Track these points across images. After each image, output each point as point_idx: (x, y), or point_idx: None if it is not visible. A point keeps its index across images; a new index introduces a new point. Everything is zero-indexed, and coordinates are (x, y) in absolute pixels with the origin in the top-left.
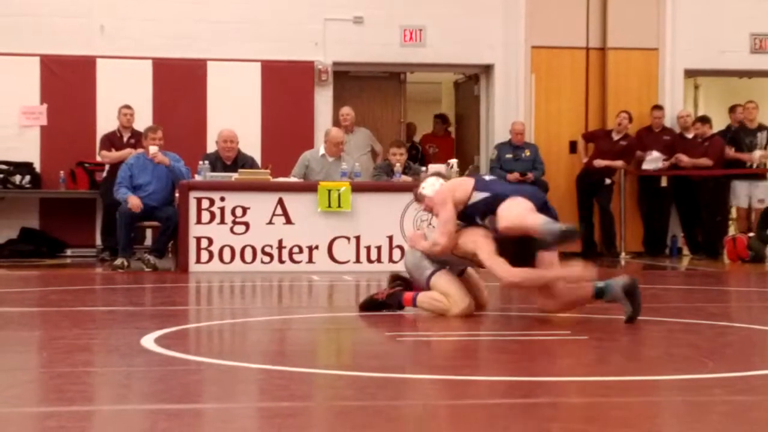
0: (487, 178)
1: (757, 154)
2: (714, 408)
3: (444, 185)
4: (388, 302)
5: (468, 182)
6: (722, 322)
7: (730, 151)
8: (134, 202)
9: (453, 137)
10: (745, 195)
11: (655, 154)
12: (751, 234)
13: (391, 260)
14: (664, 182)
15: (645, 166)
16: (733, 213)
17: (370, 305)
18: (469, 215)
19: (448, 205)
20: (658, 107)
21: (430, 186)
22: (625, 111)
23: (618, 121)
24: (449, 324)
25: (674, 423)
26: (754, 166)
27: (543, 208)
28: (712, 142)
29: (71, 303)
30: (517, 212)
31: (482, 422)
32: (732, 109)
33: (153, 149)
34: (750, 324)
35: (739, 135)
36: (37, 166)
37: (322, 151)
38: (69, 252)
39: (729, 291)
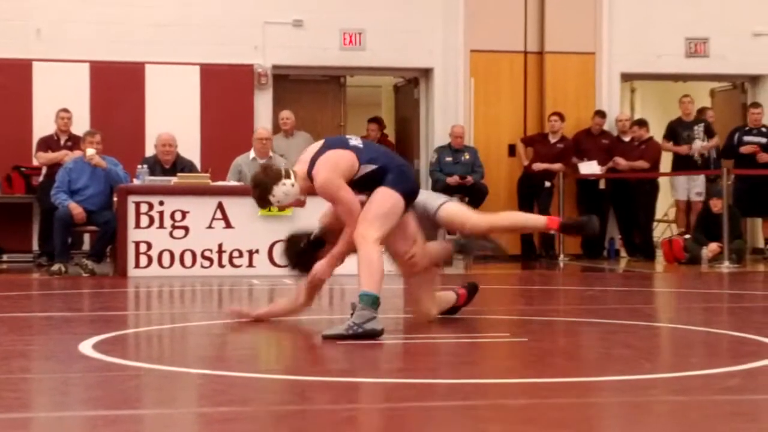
0: (359, 144)
1: (697, 144)
2: (652, 408)
3: (325, 164)
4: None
5: (350, 157)
6: (659, 323)
7: (668, 145)
8: (77, 211)
9: (390, 140)
10: (684, 188)
11: (590, 163)
12: (687, 236)
13: None
14: (602, 185)
15: (581, 171)
16: (670, 214)
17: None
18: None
19: (343, 186)
20: (601, 113)
21: (285, 195)
22: (555, 113)
23: (550, 124)
24: (389, 327)
25: (613, 423)
26: (695, 156)
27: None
28: (649, 145)
29: (7, 309)
30: (458, 209)
31: (422, 425)
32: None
33: (90, 152)
34: (686, 325)
35: (677, 129)
36: None
37: (252, 154)
38: (5, 257)
39: (666, 292)
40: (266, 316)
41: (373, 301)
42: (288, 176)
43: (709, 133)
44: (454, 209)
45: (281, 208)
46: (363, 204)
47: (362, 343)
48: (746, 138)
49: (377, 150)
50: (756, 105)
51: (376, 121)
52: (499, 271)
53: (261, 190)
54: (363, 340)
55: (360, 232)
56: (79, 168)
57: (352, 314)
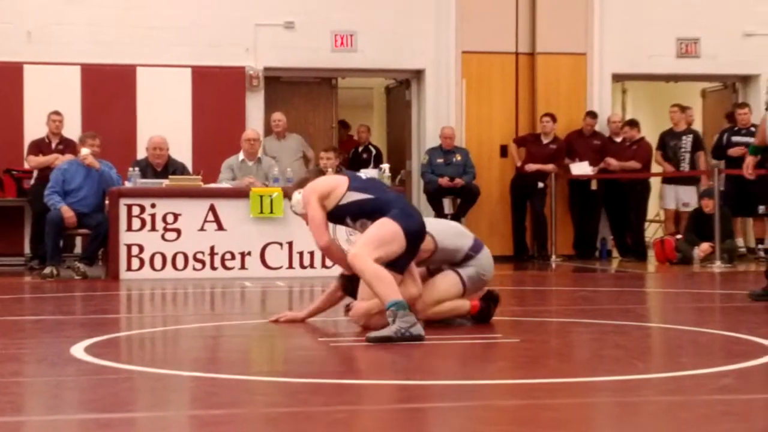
0: (363, 176)
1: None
2: (644, 408)
3: (308, 186)
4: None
5: (340, 180)
6: (651, 323)
7: (657, 155)
8: (68, 215)
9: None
10: (672, 198)
11: (581, 163)
12: (679, 236)
13: (324, 266)
14: (594, 185)
15: (573, 172)
16: (662, 215)
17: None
18: (339, 216)
19: (312, 204)
20: (592, 114)
21: (297, 202)
22: (547, 114)
23: (542, 125)
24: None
25: (605, 424)
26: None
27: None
28: (640, 145)
29: None
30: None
31: (415, 426)
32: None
33: (84, 151)
34: (678, 325)
35: (665, 139)
36: None
37: (241, 156)
38: None
39: (658, 293)
40: (313, 314)
41: (404, 306)
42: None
43: (697, 145)
44: (448, 281)
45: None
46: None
47: (354, 346)
48: (735, 138)
49: (379, 185)
50: (743, 105)
51: (342, 123)
52: (496, 273)
53: (287, 195)
54: (409, 342)
55: (354, 252)
56: (74, 169)
57: (347, 312)
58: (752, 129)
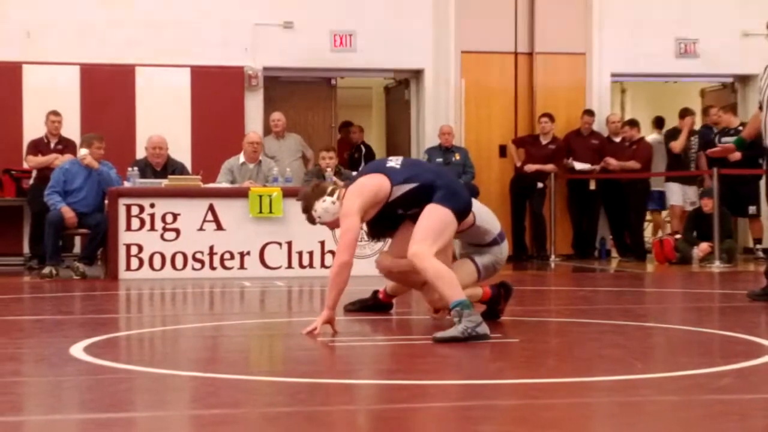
0: (396, 165)
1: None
2: (644, 408)
3: (350, 191)
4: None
5: (381, 183)
6: (651, 323)
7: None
8: (69, 215)
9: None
10: (680, 194)
11: (580, 164)
12: (678, 236)
13: (323, 266)
14: (592, 185)
15: (577, 168)
16: (664, 214)
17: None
18: (389, 211)
19: (353, 215)
20: (589, 112)
21: (324, 211)
22: (545, 114)
23: (540, 126)
24: (382, 328)
25: (605, 423)
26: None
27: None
28: (640, 145)
29: None
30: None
31: (414, 426)
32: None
33: (83, 151)
34: (678, 325)
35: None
36: None
37: (242, 159)
38: None
39: (657, 292)
40: (334, 306)
41: (469, 305)
42: (332, 194)
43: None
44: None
45: (328, 226)
46: (412, 224)
47: (354, 345)
48: (724, 139)
49: (419, 168)
50: (727, 108)
51: (350, 124)
52: None
53: (305, 204)
54: (476, 341)
55: (413, 251)
56: (75, 170)
57: (352, 310)
58: (740, 128)
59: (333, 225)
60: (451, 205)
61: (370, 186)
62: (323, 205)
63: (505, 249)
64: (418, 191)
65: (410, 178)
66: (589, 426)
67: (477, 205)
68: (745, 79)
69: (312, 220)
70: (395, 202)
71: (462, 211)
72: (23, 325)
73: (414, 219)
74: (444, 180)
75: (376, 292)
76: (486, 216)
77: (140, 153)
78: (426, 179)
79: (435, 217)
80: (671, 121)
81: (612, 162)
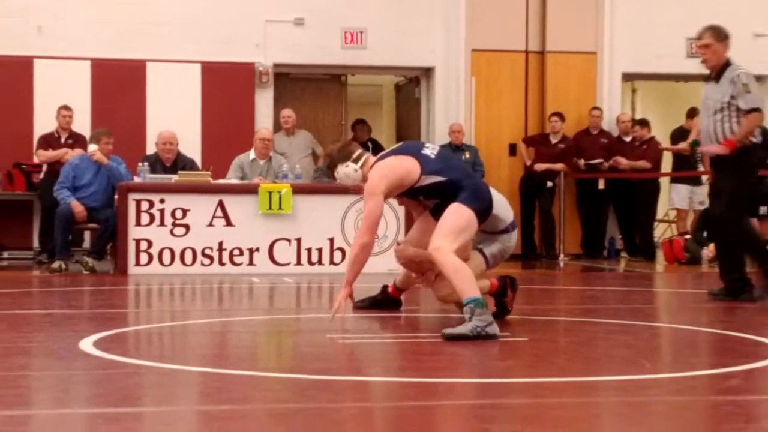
0: (431, 154)
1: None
2: (652, 408)
3: (379, 168)
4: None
5: (412, 167)
6: (660, 323)
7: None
8: (78, 209)
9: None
10: (686, 197)
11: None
12: (688, 236)
13: (332, 262)
14: (601, 185)
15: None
16: (671, 215)
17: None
18: (412, 194)
19: (377, 195)
20: (596, 108)
21: (345, 176)
22: (555, 113)
23: (550, 125)
24: (391, 326)
25: (613, 423)
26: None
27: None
28: (650, 144)
29: (8, 306)
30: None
31: (423, 424)
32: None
33: (92, 147)
34: (687, 325)
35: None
36: None
37: (252, 155)
38: (6, 255)
39: (666, 293)
40: (351, 282)
41: (482, 303)
42: (356, 160)
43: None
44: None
45: (350, 190)
46: (425, 209)
47: (362, 342)
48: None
49: (449, 163)
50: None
51: (363, 121)
52: (500, 271)
53: (329, 162)
54: (485, 341)
55: (435, 245)
56: (85, 165)
57: (361, 307)
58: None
59: (353, 189)
60: (475, 207)
61: (400, 170)
62: (345, 170)
63: (514, 237)
64: (444, 186)
65: (440, 170)
66: (598, 425)
67: (493, 193)
68: (756, 80)
69: (330, 176)
70: (419, 189)
71: (484, 211)
72: (32, 319)
73: (431, 210)
74: (471, 180)
75: (385, 287)
76: (501, 206)
77: (150, 148)
78: (455, 177)
79: (460, 216)
80: (681, 121)
81: (622, 161)
